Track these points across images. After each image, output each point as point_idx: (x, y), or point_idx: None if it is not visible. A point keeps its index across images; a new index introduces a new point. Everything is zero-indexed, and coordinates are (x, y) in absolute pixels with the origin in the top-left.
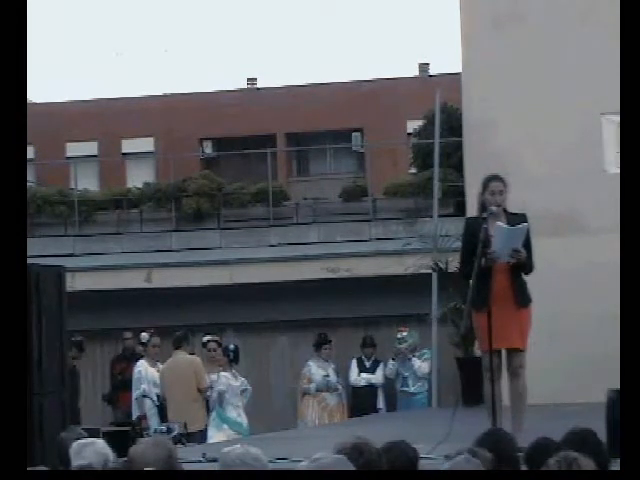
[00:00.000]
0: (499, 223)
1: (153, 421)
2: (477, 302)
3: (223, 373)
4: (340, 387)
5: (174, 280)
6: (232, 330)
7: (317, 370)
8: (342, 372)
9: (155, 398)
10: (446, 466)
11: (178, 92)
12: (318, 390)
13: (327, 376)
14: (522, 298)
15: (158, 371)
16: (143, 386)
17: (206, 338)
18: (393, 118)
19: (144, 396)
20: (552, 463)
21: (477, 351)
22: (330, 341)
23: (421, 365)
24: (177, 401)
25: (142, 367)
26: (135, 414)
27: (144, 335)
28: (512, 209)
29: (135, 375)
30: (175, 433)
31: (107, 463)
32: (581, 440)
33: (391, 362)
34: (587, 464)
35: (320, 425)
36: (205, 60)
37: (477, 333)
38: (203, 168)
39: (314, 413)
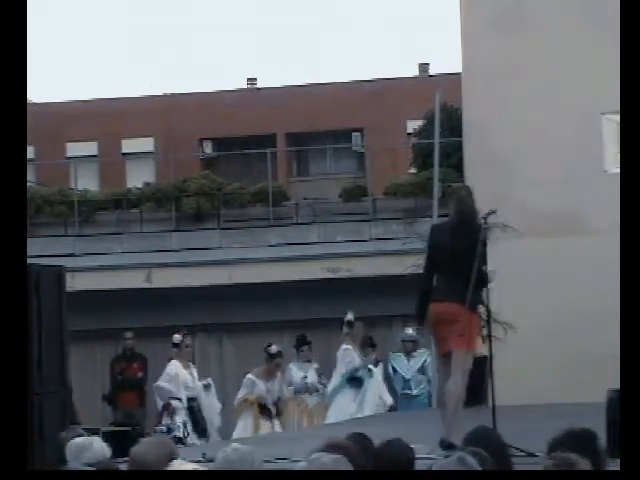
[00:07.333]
0: None
1: (178, 419)
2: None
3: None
4: (321, 387)
5: (174, 280)
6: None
7: (297, 372)
8: None
9: (185, 400)
10: (437, 466)
11: (178, 92)
12: (297, 392)
13: (305, 377)
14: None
15: (190, 373)
16: (172, 389)
17: (275, 348)
18: (393, 118)
19: (172, 398)
20: (550, 464)
21: (477, 352)
22: (309, 342)
23: (425, 359)
24: None
25: (175, 369)
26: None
27: (176, 337)
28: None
29: (165, 376)
30: (175, 433)
31: (106, 463)
32: (579, 440)
33: (391, 354)
34: (585, 465)
35: (300, 428)
36: (205, 60)
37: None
38: (203, 168)
39: (294, 416)
